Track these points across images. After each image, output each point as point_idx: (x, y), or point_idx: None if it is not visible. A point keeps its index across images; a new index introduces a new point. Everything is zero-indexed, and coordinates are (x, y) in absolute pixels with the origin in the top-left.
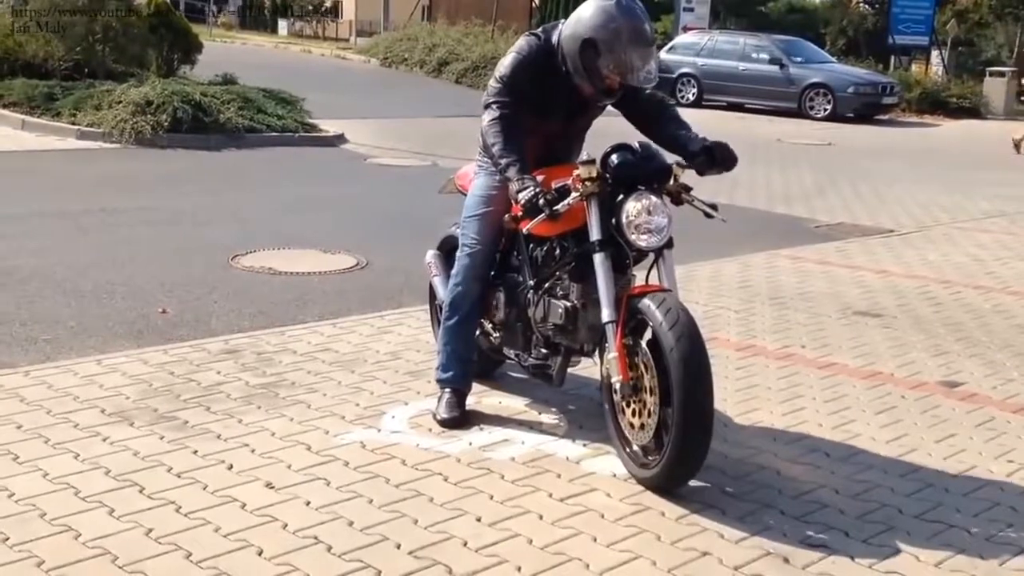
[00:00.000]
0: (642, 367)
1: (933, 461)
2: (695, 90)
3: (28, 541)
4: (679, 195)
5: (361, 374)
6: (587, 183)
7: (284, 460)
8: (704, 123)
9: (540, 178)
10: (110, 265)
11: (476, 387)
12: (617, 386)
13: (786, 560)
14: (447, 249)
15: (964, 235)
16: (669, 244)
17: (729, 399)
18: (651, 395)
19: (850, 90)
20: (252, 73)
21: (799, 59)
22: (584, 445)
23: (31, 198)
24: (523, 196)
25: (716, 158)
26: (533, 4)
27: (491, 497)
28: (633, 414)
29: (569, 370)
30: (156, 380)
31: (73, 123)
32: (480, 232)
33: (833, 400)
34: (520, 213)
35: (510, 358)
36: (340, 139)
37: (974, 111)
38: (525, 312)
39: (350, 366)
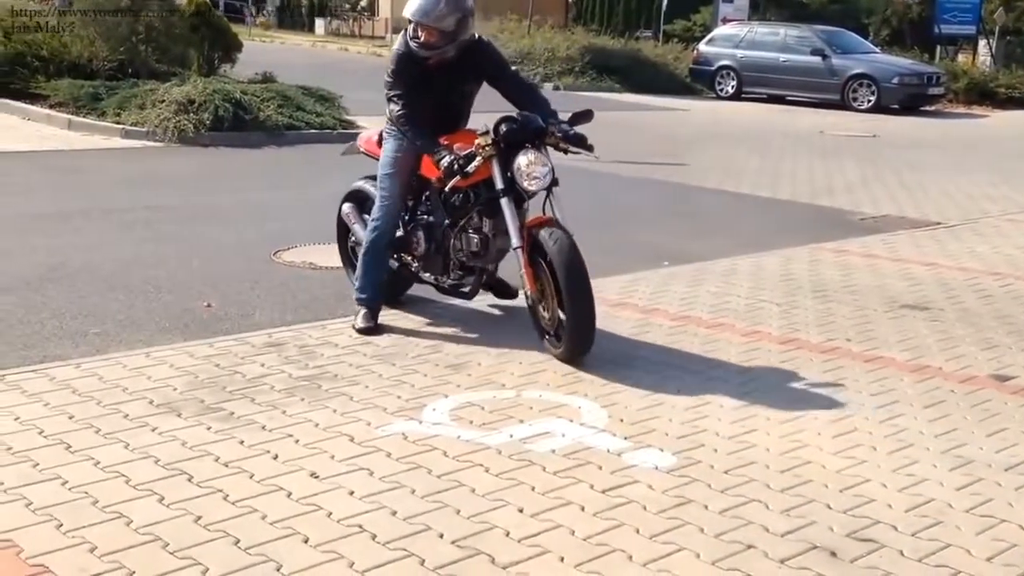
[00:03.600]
0: (544, 278)
1: (984, 456)
2: (734, 83)
3: (81, 527)
4: (558, 146)
5: (402, 367)
6: (486, 148)
7: (328, 451)
8: (745, 117)
9: (445, 142)
10: (155, 261)
11: (517, 381)
12: (528, 294)
13: (833, 554)
14: (358, 200)
15: (1014, 227)
16: (555, 183)
17: (772, 393)
18: (552, 298)
19: (895, 81)
20: (290, 71)
21: (841, 50)
22: (625, 438)
23: (78, 196)
24: (443, 164)
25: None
26: None
27: (532, 488)
28: (545, 311)
29: (603, 371)
30: (202, 372)
31: (118, 122)
32: (392, 187)
33: (880, 393)
34: (442, 176)
35: (428, 282)
36: None
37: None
38: (443, 245)
39: (391, 359)
